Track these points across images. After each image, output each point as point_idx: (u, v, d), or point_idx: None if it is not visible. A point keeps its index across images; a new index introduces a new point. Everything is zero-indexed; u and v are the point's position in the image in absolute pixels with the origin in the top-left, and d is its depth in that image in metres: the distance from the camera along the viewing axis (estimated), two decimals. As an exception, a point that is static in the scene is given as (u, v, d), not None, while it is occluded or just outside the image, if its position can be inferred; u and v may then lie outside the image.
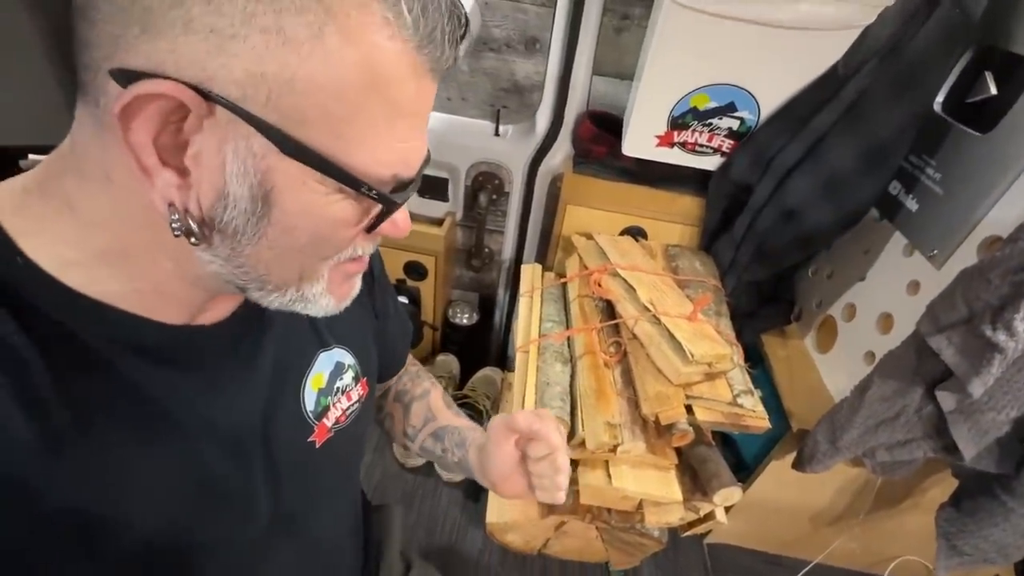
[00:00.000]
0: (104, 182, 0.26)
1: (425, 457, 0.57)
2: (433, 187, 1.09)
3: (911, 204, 0.70)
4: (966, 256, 0.61)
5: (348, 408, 0.43)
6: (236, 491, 0.35)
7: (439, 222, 1.11)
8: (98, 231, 0.27)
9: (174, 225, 0.25)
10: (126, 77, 0.23)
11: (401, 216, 0.31)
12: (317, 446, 0.40)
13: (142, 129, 0.23)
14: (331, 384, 0.42)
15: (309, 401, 0.40)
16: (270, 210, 0.26)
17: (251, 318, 0.36)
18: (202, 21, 0.22)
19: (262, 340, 0.37)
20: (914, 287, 0.68)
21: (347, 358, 0.43)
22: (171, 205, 0.25)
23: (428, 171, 1.05)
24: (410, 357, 0.59)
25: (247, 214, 0.26)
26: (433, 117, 1.02)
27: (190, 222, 0.26)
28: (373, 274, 0.49)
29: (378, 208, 0.29)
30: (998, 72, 0.61)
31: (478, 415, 1.08)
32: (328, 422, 0.41)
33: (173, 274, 0.29)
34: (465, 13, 0.27)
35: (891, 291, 0.72)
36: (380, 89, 0.25)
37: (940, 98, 0.67)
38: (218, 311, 0.34)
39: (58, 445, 0.26)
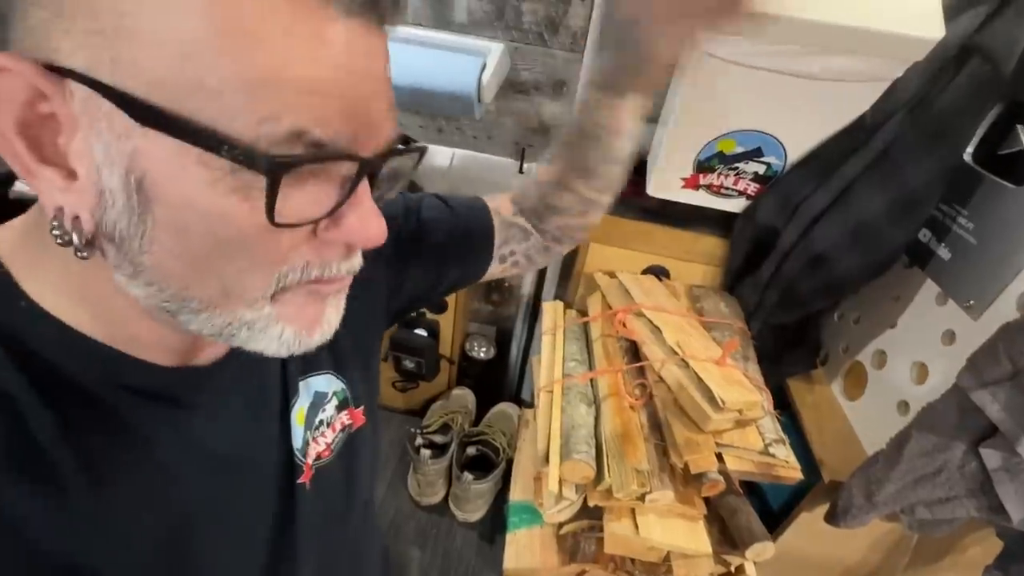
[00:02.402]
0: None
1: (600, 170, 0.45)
2: (456, 222, 1.10)
3: (943, 252, 0.69)
4: (1005, 307, 0.59)
5: (332, 440, 0.40)
6: (238, 536, 0.34)
7: (461, 256, 1.12)
8: (64, 269, 0.26)
9: (54, 232, 0.23)
10: None
11: (356, 215, 0.25)
12: (307, 488, 0.38)
13: None
14: (311, 417, 0.39)
15: (297, 438, 0.37)
16: (150, 205, 0.22)
17: (249, 354, 0.34)
18: None
19: (263, 377, 0.35)
20: (949, 337, 0.67)
21: (332, 385, 0.40)
22: (60, 210, 0.23)
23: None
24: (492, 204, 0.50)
25: (126, 212, 0.22)
26: (458, 154, 1.05)
27: (74, 231, 0.23)
28: (400, 234, 0.43)
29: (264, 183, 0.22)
30: (1030, 126, 0.62)
31: (494, 452, 1.06)
32: (310, 459, 0.38)
33: (129, 309, 0.26)
34: None
35: (924, 340, 0.70)
36: (245, 32, 0.20)
37: (970, 149, 0.67)
38: (214, 351, 0.32)
39: (62, 497, 0.25)
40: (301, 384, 0.38)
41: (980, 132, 0.66)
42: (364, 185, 0.25)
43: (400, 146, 0.27)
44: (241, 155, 0.21)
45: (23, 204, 0.28)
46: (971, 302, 0.63)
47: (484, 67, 0.83)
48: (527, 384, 1.28)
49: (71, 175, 0.22)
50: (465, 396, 1.24)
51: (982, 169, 0.66)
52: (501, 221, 0.49)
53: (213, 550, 0.32)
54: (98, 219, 0.23)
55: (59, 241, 0.23)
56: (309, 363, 0.40)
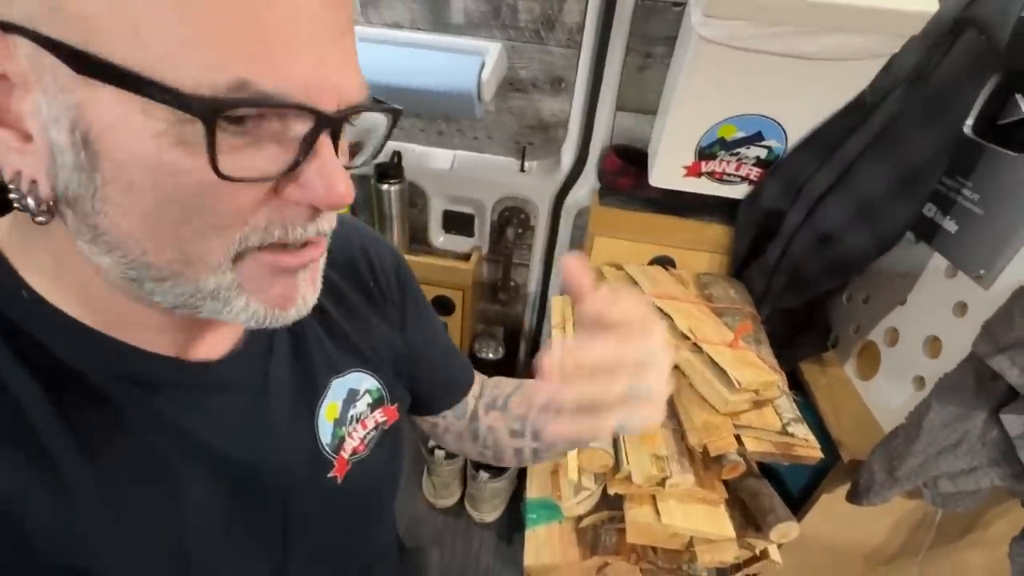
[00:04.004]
0: None
1: (548, 449, 0.47)
2: (460, 223, 1.11)
3: (949, 225, 0.70)
4: (1016, 274, 0.60)
5: (365, 436, 0.40)
6: (245, 536, 0.33)
7: (466, 257, 1.12)
8: (51, 254, 0.25)
9: (12, 196, 0.22)
10: None
11: (318, 174, 0.23)
12: (339, 482, 0.38)
13: None
14: (344, 413, 0.39)
15: (325, 434, 0.38)
16: (98, 160, 0.21)
17: (257, 351, 0.34)
18: None
19: (270, 373, 0.35)
20: (961, 308, 0.67)
21: (366, 382, 0.41)
22: (19, 174, 0.22)
23: (455, 208, 1.09)
24: (478, 374, 0.53)
25: (76, 170, 0.21)
26: (459, 156, 1.05)
27: (29, 195, 0.22)
28: (402, 287, 0.45)
29: (202, 130, 0.20)
30: (1029, 94, 0.62)
31: (508, 452, 1.05)
32: (346, 454, 0.39)
33: (107, 289, 0.26)
34: None
35: (936, 314, 0.70)
36: None
37: (970, 121, 0.68)
38: (218, 344, 0.32)
39: (62, 489, 0.25)
40: (336, 381, 0.39)
41: (979, 103, 0.67)
42: (326, 144, 0.24)
43: (368, 104, 0.25)
44: (178, 101, 0.19)
45: None
46: (981, 272, 0.63)
47: (483, 66, 0.84)
48: (537, 383, 1.28)
49: (27, 137, 0.22)
50: (476, 398, 1.24)
51: (983, 140, 0.67)
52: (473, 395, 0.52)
53: (218, 549, 0.31)
54: (53, 181, 0.22)
55: (16, 206, 0.22)
56: (341, 362, 0.40)
